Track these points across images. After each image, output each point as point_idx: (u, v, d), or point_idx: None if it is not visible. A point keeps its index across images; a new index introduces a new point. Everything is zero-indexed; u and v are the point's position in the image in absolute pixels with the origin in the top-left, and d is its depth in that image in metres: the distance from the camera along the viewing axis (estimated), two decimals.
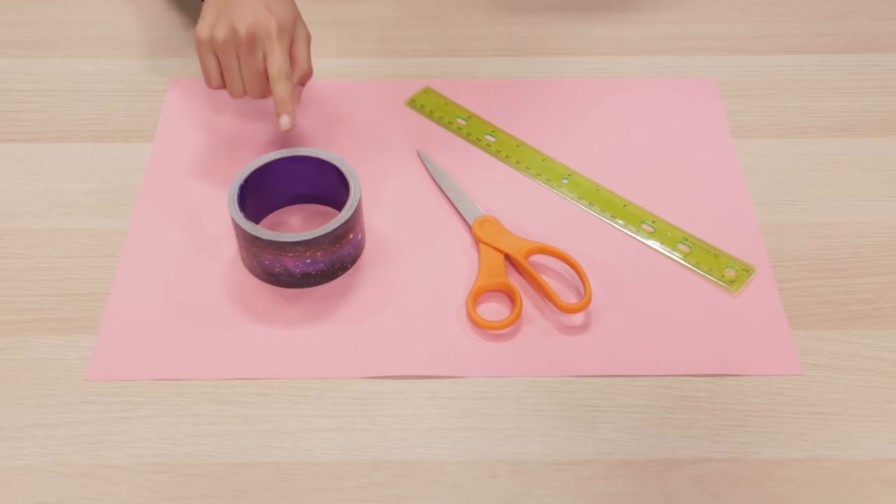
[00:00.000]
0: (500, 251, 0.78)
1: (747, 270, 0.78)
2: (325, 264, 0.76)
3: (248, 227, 0.73)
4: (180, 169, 0.86)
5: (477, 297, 0.76)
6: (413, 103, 0.92)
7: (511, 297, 0.76)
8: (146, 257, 0.79)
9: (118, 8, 1.02)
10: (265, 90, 0.82)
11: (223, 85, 0.83)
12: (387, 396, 0.71)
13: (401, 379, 0.72)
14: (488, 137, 0.89)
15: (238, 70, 0.81)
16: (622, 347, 0.74)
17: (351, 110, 0.91)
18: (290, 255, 0.74)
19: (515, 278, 0.78)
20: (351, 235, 0.76)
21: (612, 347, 0.74)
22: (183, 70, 0.95)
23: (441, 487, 0.66)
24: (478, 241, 0.79)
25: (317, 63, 0.96)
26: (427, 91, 0.93)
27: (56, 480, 0.66)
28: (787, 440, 0.69)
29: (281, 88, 0.80)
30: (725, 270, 0.78)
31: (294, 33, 0.82)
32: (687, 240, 0.80)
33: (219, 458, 0.68)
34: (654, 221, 0.82)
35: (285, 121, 0.80)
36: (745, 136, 0.90)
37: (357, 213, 0.76)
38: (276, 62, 0.80)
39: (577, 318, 0.75)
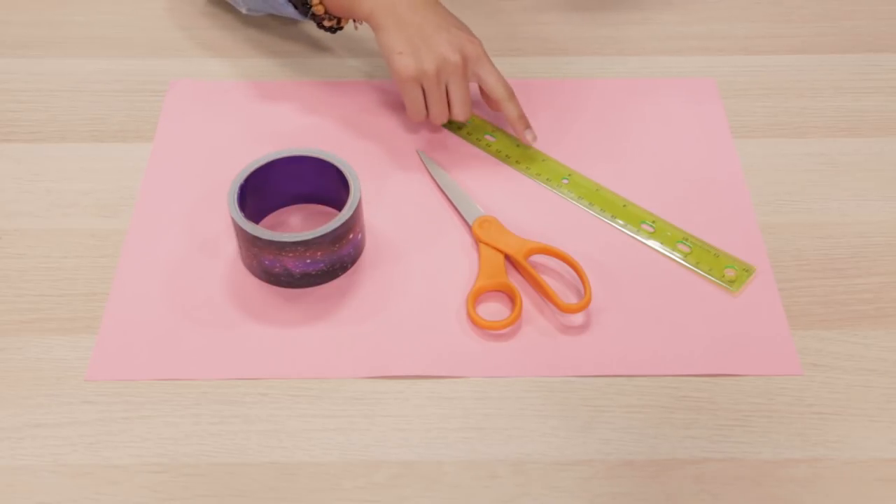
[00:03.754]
0: (500, 251, 0.78)
1: (747, 270, 0.78)
2: (325, 264, 0.76)
3: (248, 227, 0.73)
4: (180, 169, 0.86)
5: (477, 297, 0.76)
6: None
7: (511, 297, 0.76)
8: (146, 257, 0.79)
9: (118, 8, 1.02)
10: (469, 115, 0.85)
11: (427, 116, 0.85)
12: (387, 396, 0.71)
13: (401, 379, 0.72)
14: (488, 137, 0.89)
15: (445, 98, 0.83)
16: (622, 347, 0.74)
17: (352, 110, 0.91)
18: (290, 255, 0.74)
19: (515, 278, 0.78)
20: (351, 235, 0.76)
21: (612, 347, 0.74)
22: (183, 70, 0.95)
23: (441, 487, 0.66)
24: (478, 241, 0.79)
25: (318, 62, 0.96)
26: None
27: (56, 480, 0.66)
28: (787, 440, 0.69)
29: (515, 107, 0.84)
30: (725, 270, 0.78)
31: None
32: (687, 240, 0.80)
33: (218, 458, 0.68)
34: (654, 221, 0.82)
35: (532, 135, 0.85)
36: (744, 136, 0.90)
37: (357, 213, 0.76)
38: (501, 82, 0.84)
39: (577, 318, 0.75)
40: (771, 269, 0.79)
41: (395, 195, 0.84)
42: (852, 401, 0.71)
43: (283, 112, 0.91)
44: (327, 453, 0.68)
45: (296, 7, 0.89)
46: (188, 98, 0.92)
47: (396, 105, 0.91)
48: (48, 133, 0.89)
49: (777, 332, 0.75)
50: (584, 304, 0.74)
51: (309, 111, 0.91)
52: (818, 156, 0.88)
